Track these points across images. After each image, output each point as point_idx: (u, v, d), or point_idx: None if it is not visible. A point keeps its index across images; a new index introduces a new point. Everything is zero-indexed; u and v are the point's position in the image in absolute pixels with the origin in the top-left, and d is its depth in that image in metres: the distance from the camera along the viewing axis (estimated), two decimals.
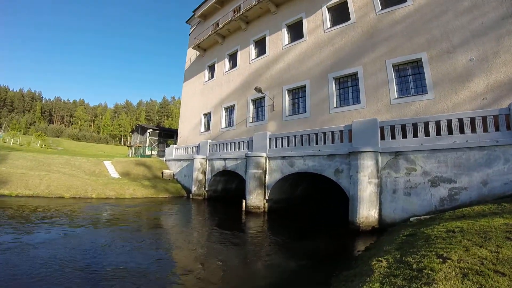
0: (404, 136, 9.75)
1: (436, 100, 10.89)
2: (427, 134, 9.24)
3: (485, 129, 8.24)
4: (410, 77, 11.98)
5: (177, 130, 30.03)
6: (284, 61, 17.48)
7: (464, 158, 8.29)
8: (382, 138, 10.22)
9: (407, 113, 11.41)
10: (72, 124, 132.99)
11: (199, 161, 18.59)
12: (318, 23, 16.00)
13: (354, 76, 13.75)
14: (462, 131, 8.59)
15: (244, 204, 13.89)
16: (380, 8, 13.24)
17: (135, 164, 22.78)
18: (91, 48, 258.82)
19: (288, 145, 13.53)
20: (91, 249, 6.84)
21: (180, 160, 22.36)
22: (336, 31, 14.91)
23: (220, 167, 17.75)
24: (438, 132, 9.01)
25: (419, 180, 8.99)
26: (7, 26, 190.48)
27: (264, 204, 13.70)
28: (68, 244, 7.19)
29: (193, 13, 27.63)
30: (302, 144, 12.85)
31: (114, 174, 20.51)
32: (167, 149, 25.48)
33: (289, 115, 16.44)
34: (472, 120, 8.48)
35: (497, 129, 8.07)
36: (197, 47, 25.33)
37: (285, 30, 18.07)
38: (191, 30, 28.91)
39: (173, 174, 22.55)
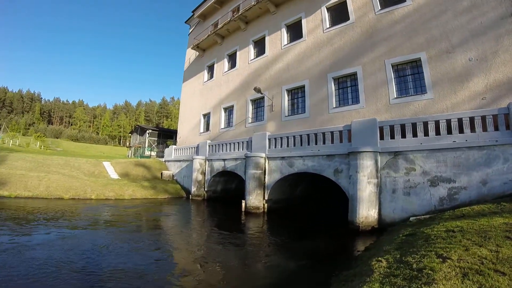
0: (403, 136, 9.75)
1: (435, 100, 10.90)
2: (426, 134, 9.24)
3: (484, 129, 8.24)
4: (409, 77, 11.99)
5: (176, 130, 30.01)
6: (283, 61, 17.48)
7: (464, 158, 8.28)
8: (382, 138, 10.22)
9: (406, 113, 11.41)
10: (71, 125, 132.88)
11: (198, 161, 18.56)
12: (317, 23, 16.01)
13: (353, 76, 13.75)
14: (461, 130, 8.59)
15: (243, 204, 13.87)
16: (379, 8, 13.25)
17: (135, 165, 22.75)
18: (90, 48, 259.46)
19: (288, 146, 13.51)
20: (89, 250, 6.80)
21: (180, 160, 22.34)
22: (335, 31, 14.92)
23: (219, 168, 17.73)
24: (438, 132, 9.00)
25: (419, 180, 8.98)
26: (6, 26, 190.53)
27: (263, 204, 13.68)
28: (66, 245, 7.15)
29: (192, 13, 27.63)
30: (301, 144, 12.84)
31: (114, 175, 20.47)
32: (166, 150, 25.45)
33: (288, 115, 16.43)
34: (471, 119, 8.48)
35: (496, 128, 8.07)
36: (196, 47, 25.32)
37: (284, 30, 18.07)
38: (190, 30, 28.91)
39: (173, 175, 22.52)
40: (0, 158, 18.51)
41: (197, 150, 20.40)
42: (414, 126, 9.56)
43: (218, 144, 18.51)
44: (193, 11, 27.32)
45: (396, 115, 11.65)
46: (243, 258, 7.08)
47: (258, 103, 18.92)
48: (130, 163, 22.86)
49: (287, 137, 13.64)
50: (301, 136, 12.96)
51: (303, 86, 15.86)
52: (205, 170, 18.75)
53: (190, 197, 18.64)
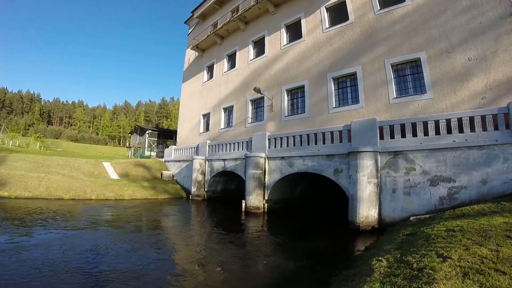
0: (403, 135, 9.75)
1: (435, 99, 10.90)
2: (426, 133, 9.24)
3: (484, 128, 8.25)
4: (409, 76, 11.99)
5: (176, 131, 30.00)
6: (283, 61, 17.49)
7: (463, 157, 8.29)
8: (381, 137, 10.22)
9: (406, 113, 11.42)
10: (71, 125, 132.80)
11: (198, 161, 18.56)
12: (316, 23, 16.02)
13: (353, 76, 13.76)
14: (461, 130, 8.59)
15: (243, 204, 13.87)
16: (379, 8, 13.26)
17: (134, 165, 22.74)
18: (90, 49, 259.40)
19: (287, 145, 13.52)
20: (88, 251, 6.78)
21: (179, 161, 22.33)
22: (335, 31, 14.93)
23: (219, 168, 17.73)
24: (437, 132, 9.01)
25: (419, 180, 8.99)
26: (6, 27, 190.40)
27: (263, 204, 13.68)
28: (65, 245, 7.13)
29: (191, 14, 27.63)
30: (301, 144, 12.84)
31: (113, 175, 20.46)
32: (166, 150, 25.44)
33: (288, 115, 16.44)
34: (471, 119, 8.49)
35: (496, 128, 8.08)
36: (196, 47, 25.32)
37: (283, 30, 18.08)
38: (190, 31, 28.91)
39: (173, 175, 22.51)
40: (0, 159, 18.49)
41: (197, 150, 20.39)
42: (414, 126, 9.57)
43: (218, 144, 18.51)
44: (192, 12, 27.32)
45: (396, 115, 11.66)
46: (243, 258, 7.07)
47: (257, 103, 18.93)
48: (130, 164, 22.85)
49: (287, 137, 13.64)
50: (301, 136, 12.96)
51: (303, 86, 15.86)
52: (205, 170, 18.75)
53: (190, 197, 18.63)
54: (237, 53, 21.45)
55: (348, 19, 14.45)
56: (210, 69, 24.80)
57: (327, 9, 15.80)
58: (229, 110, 21.55)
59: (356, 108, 13.18)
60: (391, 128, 10.10)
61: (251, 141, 15.62)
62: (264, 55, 18.95)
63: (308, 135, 12.68)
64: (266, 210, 13.61)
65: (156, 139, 39.16)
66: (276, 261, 6.86)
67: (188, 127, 25.94)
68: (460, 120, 8.65)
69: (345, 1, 14.74)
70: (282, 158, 13.34)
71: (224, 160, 17.35)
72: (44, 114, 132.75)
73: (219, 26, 22.64)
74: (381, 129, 10.31)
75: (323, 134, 12.14)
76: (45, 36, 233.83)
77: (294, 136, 13.29)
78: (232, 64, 22.10)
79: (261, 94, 17.14)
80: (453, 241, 4.40)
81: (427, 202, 8.71)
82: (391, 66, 12.34)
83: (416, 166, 9.10)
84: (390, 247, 5.35)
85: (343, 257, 7.10)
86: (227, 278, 5.63)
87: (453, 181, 8.35)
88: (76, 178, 17.68)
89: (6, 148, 32.85)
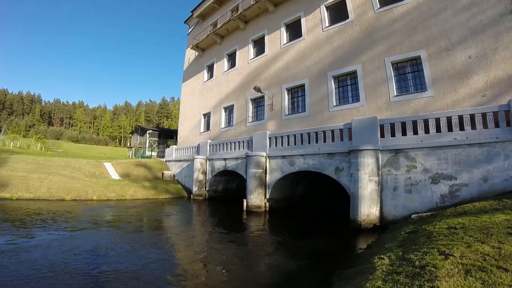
0: (404, 133, 9.77)
1: (435, 97, 10.90)
2: (427, 131, 9.26)
3: (485, 126, 8.25)
4: (409, 74, 11.99)
5: (177, 130, 30.03)
6: (283, 60, 17.48)
7: (464, 155, 8.30)
8: (382, 136, 10.23)
9: (407, 111, 11.42)
10: (71, 126, 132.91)
11: (199, 161, 18.59)
12: (316, 22, 16.00)
13: (353, 75, 13.75)
14: (462, 128, 8.60)
15: (245, 203, 13.90)
16: (379, 6, 13.25)
17: (135, 165, 22.77)
18: (90, 50, 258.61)
19: (288, 144, 13.53)
20: (87, 251, 6.75)
21: (180, 160, 22.36)
22: (335, 30, 14.92)
23: (220, 167, 17.75)
24: (438, 129, 9.02)
25: (420, 177, 9.00)
26: (6, 28, 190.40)
27: (265, 203, 13.70)
28: (65, 246, 7.12)
29: (191, 13, 27.61)
30: (302, 143, 12.86)
31: (115, 175, 20.50)
32: (167, 150, 25.47)
33: (288, 114, 16.44)
34: (472, 117, 8.50)
35: (497, 125, 8.09)
36: (196, 47, 25.32)
37: (283, 29, 18.07)
38: (190, 30, 28.90)
39: (174, 175, 22.54)
40: (1, 160, 18.52)
41: (197, 149, 20.41)
42: (414, 123, 9.58)
43: (219, 144, 18.53)
44: (192, 11, 27.30)
45: (396, 113, 11.66)
46: (245, 258, 7.08)
47: (258, 102, 18.93)
48: (131, 164, 22.88)
49: (288, 136, 13.65)
50: (301, 134, 12.97)
51: (303, 85, 15.86)
52: (206, 170, 18.77)
53: (192, 197, 18.66)
54: (237, 53, 21.44)
55: (348, 17, 14.44)
56: (210, 68, 24.80)
57: (327, 7, 15.79)
58: (229, 110, 21.56)
59: (356, 106, 13.18)
60: (392, 126, 10.11)
61: (252, 140, 15.63)
62: (264, 54, 18.94)
63: (309, 133, 12.70)
64: (267, 209, 13.63)
65: (157, 139, 39.16)
66: (277, 260, 6.86)
67: (188, 127, 25.95)
68: (461, 118, 8.66)
69: (344, 0, 14.72)
70: (283, 157, 13.36)
71: (225, 159, 17.37)
72: (45, 115, 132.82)
73: (219, 26, 22.63)
74: (381, 127, 10.32)
75: (324, 132, 12.15)
76: (44, 38, 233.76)
77: (294, 135, 13.29)
78: (232, 64, 22.10)
79: (262, 93, 17.15)
80: (455, 239, 4.42)
81: (429, 200, 8.72)
82: (391, 64, 12.34)
83: (417, 164, 9.11)
84: (392, 245, 5.37)
85: (345, 255, 7.11)
86: (229, 278, 5.64)
87: (454, 179, 8.36)
88: (78, 178, 17.72)
89: (7, 149, 32.91)
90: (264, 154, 14.04)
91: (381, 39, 12.83)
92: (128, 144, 51.10)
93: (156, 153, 36.33)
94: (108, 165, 21.83)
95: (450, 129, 8.80)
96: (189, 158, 20.75)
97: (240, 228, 10.83)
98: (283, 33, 18.01)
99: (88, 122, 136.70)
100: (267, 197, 13.74)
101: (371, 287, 3.44)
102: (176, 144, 27.91)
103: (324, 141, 12.07)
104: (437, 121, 9.08)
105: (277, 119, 16.93)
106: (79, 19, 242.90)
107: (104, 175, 20.03)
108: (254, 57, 19.91)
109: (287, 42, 17.62)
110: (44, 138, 61.57)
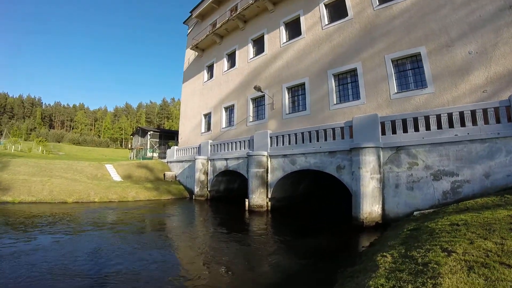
0: (405, 130, 9.75)
1: (436, 94, 10.88)
2: (428, 128, 9.24)
3: (486, 122, 8.23)
4: (410, 71, 11.96)
5: (178, 131, 30.04)
6: (282, 59, 17.46)
7: (466, 151, 8.28)
8: (383, 133, 10.22)
9: (408, 108, 11.40)
10: (72, 128, 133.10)
11: (200, 161, 18.61)
12: (315, 20, 15.98)
13: (353, 72, 13.73)
14: (463, 124, 8.58)
15: (247, 203, 13.92)
16: (378, 3, 13.22)
17: (137, 166, 22.82)
18: (90, 51, 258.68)
19: (289, 143, 13.53)
20: (90, 253, 6.77)
21: (182, 161, 22.38)
22: (334, 28, 14.89)
23: (221, 167, 17.77)
24: (439, 126, 9.00)
25: (421, 174, 8.99)
26: (6, 31, 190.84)
27: (267, 202, 13.71)
28: (66, 248, 7.15)
29: (190, 14, 27.57)
30: (303, 142, 12.86)
31: (116, 177, 20.55)
32: (168, 151, 25.52)
33: (289, 113, 16.43)
34: (473, 112, 8.47)
35: (498, 121, 8.07)
36: (195, 47, 25.31)
37: (283, 28, 18.04)
38: (189, 31, 28.88)
39: (175, 176, 22.57)
40: (2, 164, 18.59)
41: (199, 150, 20.44)
42: (415, 120, 9.56)
43: (220, 144, 18.54)
44: (191, 11, 27.26)
45: (397, 110, 11.63)
46: (247, 258, 7.10)
47: (258, 102, 18.93)
48: (132, 165, 22.93)
49: (289, 135, 13.65)
50: (302, 133, 12.97)
51: (303, 84, 15.85)
52: (208, 170, 18.79)
53: (193, 197, 18.69)
54: (237, 52, 21.43)
55: (347, 15, 14.41)
56: (210, 68, 24.79)
57: (326, 5, 15.75)
58: (230, 109, 21.56)
59: (357, 104, 13.16)
60: (393, 123, 10.10)
61: (253, 139, 15.64)
62: (263, 54, 18.93)
63: (309, 132, 12.69)
64: (269, 208, 13.64)
65: (158, 140, 39.24)
66: (279, 260, 6.87)
67: (189, 127, 25.97)
68: (461, 114, 8.63)
69: None
70: (284, 156, 13.36)
71: (226, 159, 17.38)
72: (46, 118, 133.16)
73: (218, 26, 22.60)
74: (382, 124, 10.31)
75: (325, 131, 12.15)
76: (45, 37, 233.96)
77: (295, 134, 13.29)
78: (232, 63, 22.09)
79: (262, 92, 17.14)
80: (457, 235, 4.42)
81: (431, 197, 8.71)
82: (392, 61, 12.31)
83: (419, 161, 9.10)
84: (395, 243, 5.36)
85: (348, 253, 7.11)
86: (231, 277, 5.66)
87: (456, 175, 8.34)
88: (79, 181, 17.77)
89: (9, 153, 33.00)
90: (265, 153, 14.04)
91: (380, 36, 12.80)
92: (129, 145, 51.25)
93: (157, 154, 36.42)
94: (109, 167, 21.88)
95: (451, 125, 8.78)
96: (191, 158, 20.78)
97: (242, 228, 10.85)
98: (283, 32, 17.99)
99: (89, 124, 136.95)
100: (269, 196, 13.75)
101: (374, 285, 3.44)
102: (177, 145, 27.94)
103: (325, 140, 12.06)
104: (438, 117, 9.06)
105: (278, 118, 16.93)
106: (79, 19, 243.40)
107: (106, 177, 20.08)
108: (254, 57, 19.89)
109: (286, 41, 17.60)
110: (45, 141, 61.74)
